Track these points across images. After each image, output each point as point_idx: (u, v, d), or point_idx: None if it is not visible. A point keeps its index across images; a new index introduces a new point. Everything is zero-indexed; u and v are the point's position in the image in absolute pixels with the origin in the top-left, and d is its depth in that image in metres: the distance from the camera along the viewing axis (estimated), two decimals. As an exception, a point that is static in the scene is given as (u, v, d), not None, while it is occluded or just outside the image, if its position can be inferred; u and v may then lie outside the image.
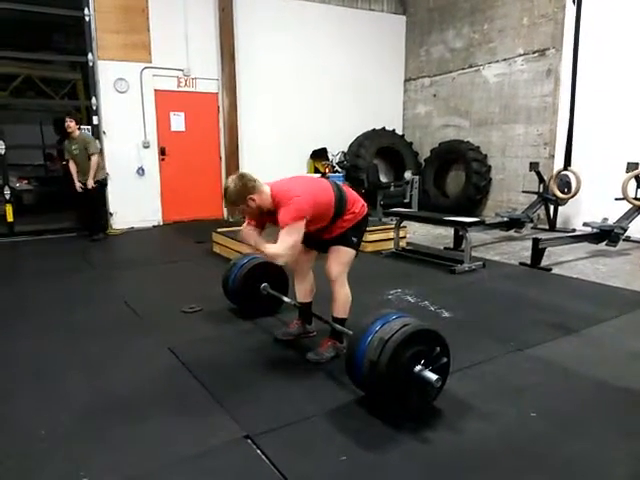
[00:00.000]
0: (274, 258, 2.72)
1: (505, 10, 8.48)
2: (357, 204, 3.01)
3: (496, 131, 8.90)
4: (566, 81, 7.27)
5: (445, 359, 2.38)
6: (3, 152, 7.29)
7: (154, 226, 8.31)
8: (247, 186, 2.69)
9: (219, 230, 6.16)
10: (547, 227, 7.63)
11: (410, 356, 2.28)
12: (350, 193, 3.04)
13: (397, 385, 2.27)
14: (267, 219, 2.92)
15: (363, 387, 2.47)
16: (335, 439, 2.21)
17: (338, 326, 2.97)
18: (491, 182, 9.07)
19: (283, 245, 2.65)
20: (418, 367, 2.28)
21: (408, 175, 9.19)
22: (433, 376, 2.25)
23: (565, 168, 6.85)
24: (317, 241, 3.02)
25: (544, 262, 5.40)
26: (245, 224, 2.97)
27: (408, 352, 2.27)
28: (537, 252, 5.37)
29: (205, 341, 3.37)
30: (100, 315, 3.91)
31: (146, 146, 8.18)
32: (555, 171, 7.30)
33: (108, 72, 7.73)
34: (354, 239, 2.99)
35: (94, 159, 6.79)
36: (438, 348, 2.36)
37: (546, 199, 7.50)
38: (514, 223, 7.04)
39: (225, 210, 9.01)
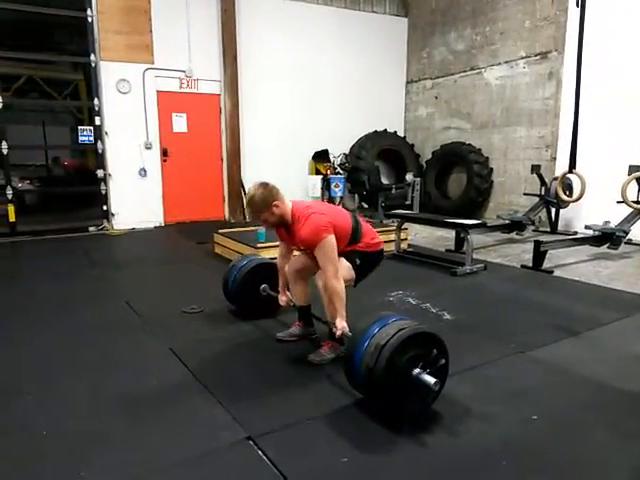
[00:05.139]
0: (336, 286, 2.74)
1: (507, 12, 8.49)
2: (374, 238, 3.07)
3: (498, 133, 8.90)
4: (568, 84, 7.27)
5: (443, 361, 2.37)
6: (6, 152, 7.30)
7: (155, 227, 8.32)
8: (272, 192, 2.73)
9: (220, 231, 6.17)
10: (548, 230, 7.63)
11: (407, 360, 2.27)
12: (367, 227, 3.09)
13: (395, 389, 2.26)
14: (287, 238, 2.96)
15: (362, 390, 2.47)
16: (336, 441, 2.21)
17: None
18: (492, 184, 9.07)
19: (330, 268, 2.70)
20: (416, 370, 2.28)
21: (410, 177, 9.20)
22: (431, 379, 2.24)
23: (570, 171, 6.85)
24: None
25: (545, 265, 5.40)
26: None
27: (405, 356, 2.26)
28: (538, 255, 5.36)
29: (206, 342, 3.37)
30: (101, 315, 3.92)
31: (148, 147, 8.19)
32: (560, 174, 7.29)
33: (110, 73, 7.75)
34: (357, 260, 2.99)
35: None
36: (435, 350, 2.35)
37: (548, 202, 7.50)
38: (515, 225, 7.04)
39: (227, 211, 9.03)
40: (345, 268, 2.95)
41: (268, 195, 2.72)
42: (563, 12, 7.57)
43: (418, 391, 2.30)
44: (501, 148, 8.87)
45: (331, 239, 2.72)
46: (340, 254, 2.95)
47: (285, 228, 2.87)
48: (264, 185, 2.77)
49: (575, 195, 6.96)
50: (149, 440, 2.23)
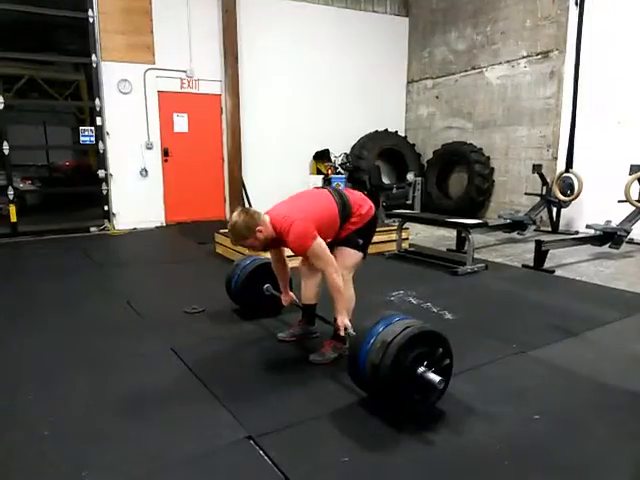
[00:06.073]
0: (338, 283, 2.74)
1: (508, 12, 8.48)
2: (363, 207, 3.01)
3: (499, 133, 8.89)
4: (569, 83, 7.25)
5: (448, 360, 2.38)
6: (7, 153, 7.30)
7: (157, 227, 8.32)
8: (254, 217, 2.71)
9: (222, 231, 6.16)
10: (550, 229, 7.62)
11: (413, 358, 2.27)
12: (354, 197, 3.04)
13: (400, 387, 2.26)
14: (276, 245, 2.96)
15: (365, 389, 2.47)
16: (337, 440, 2.21)
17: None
18: (494, 184, 9.06)
19: (328, 269, 2.72)
20: (421, 369, 2.28)
21: (411, 177, 9.19)
22: (436, 378, 2.25)
23: (567, 170, 6.85)
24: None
25: (547, 264, 5.39)
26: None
27: (411, 354, 2.27)
28: (540, 254, 5.35)
29: (208, 341, 3.37)
30: (103, 315, 3.92)
31: (149, 147, 8.20)
32: (557, 173, 7.29)
33: (112, 73, 7.75)
34: (360, 241, 2.99)
35: None
36: (441, 349, 2.35)
37: (549, 201, 7.49)
38: (517, 225, 7.03)
39: (228, 211, 9.02)
40: (351, 255, 2.97)
41: (250, 221, 2.69)
42: (564, 11, 7.56)
43: (422, 389, 2.30)
44: (502, 148, 8.86)
45: (318, 244, 2.71)
46: (341, 241, 2.96)
47: (273, 242, 2.87)
48: (245, 211, 2.74)
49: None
50: (150, 440, 2.23)
